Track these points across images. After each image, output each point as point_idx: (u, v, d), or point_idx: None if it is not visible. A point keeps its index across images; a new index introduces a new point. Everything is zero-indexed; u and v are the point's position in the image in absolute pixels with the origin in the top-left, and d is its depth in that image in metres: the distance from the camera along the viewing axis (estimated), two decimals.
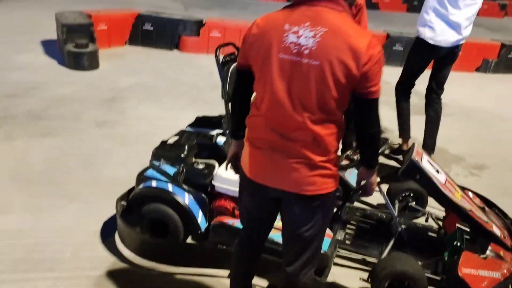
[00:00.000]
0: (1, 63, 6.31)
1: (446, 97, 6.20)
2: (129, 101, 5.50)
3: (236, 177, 2.19)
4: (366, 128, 1.90)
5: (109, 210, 3.17)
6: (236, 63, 2.06)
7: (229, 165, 2.25)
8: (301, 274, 2.06)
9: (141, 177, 2.99)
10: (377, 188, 2.87)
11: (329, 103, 1.75)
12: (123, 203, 3.00)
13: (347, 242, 2.97)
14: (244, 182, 2.06)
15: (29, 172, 3.77)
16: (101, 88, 5.83)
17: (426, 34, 4.05)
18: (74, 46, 6.41)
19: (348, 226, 3.11)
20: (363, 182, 2.14)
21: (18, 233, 3.03)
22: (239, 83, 2.07)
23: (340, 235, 2.97)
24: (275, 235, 2.66)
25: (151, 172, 2.97)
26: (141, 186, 2.93)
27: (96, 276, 2.72)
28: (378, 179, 2.69)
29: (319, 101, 1.75)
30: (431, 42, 4.06)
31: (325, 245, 2.65)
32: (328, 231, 2.69)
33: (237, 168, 2.20)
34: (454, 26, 4.00)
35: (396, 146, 4.65)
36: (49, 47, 7.28)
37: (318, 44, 1.69)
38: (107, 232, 3.10)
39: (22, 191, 3.50)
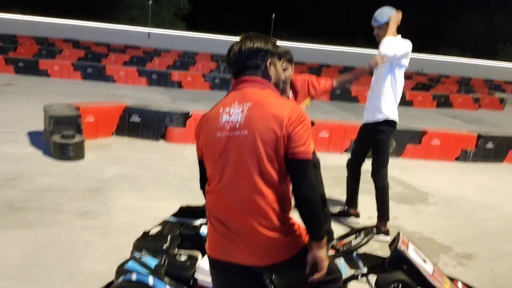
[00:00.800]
0: None
1: (428, 187, 6.30)
2: (113, 191, 5.45)
3: None
4: (300, 193, 1.94)
5: None
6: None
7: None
8: None
9: (121, 270, 2.87)
10: (364, 279, 2.80)
11: (264, 169, 1.91)
12: None
13: None
14: (210, 262, 2.16)
15: (3, 266, 3.61)
16: (85, 179, 5.79)
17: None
18: (61, 137, 6.46)
19: None
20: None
21: None
22: (200, 173, 2.22)
23: None
24: None
25: (131, 265, 2.85)
26: (120, 279, 2.81)
27: None
28: (331, 253, 2.65)
29: (255, 169, 1.91)
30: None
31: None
32: None
33: None
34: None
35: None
36: (35, 138, 7.33)
37: (246, 117, 1.94)
38: None
39: None
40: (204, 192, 2.21)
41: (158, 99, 12.38)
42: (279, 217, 1.96)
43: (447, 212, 5.86)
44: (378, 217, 4.73)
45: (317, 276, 2.02)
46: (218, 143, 1.98)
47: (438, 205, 6.08)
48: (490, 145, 8.69)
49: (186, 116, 8.11)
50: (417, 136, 8.49)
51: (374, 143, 4.65)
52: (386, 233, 4.62)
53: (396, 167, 7.62)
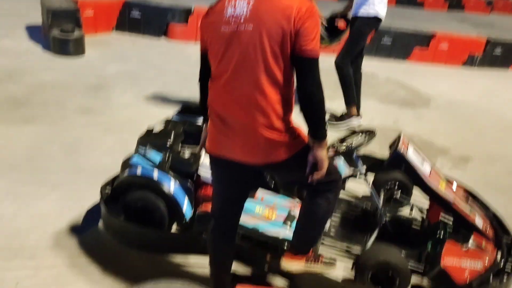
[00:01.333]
0: None
1: (432, 91, 6.26)
2: (115, 88, 5.43)
3: None
4: (305, 92, 1.88)
5: (93, 198, 3.13)
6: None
7: (203, 149, 2.30)
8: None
9: (126, 164, 2.95)
10: (362, 178, 2.89)
11: (269, 66, 1.83)
12: (108, 190, 2.96)
13: (332, 233, 2.97)
14: (210, 159, 2.18)
15: (11, 158, 3.71)
16: (87, 75, 5.75)
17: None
18: (60, 31, 6.29)
19: (333, 217, 3.11)
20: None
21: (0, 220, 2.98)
22: (201, 66, 2.14)
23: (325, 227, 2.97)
24: (261, 225, 2.66)
25: (136, 159, 2.93)
26: (126, 173, 2.90)
27: (79, 264, 2.69)
28: (331, 153, 2.70)
29: (260, 66, 1.83)
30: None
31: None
32: None
33: None
34: None
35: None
36: (33, 32, 7.15)
37: (251, 10, 1.83)
38: (91, 220, 3.06)
39: (3, 177, 3.44)
40: (201, 86, 2.18)
41: None
42: (279, 117, 1.92)
43: (448, 117, 5.89)
44: (345, 103, 4.94)
45: (316, 176, 2.03)
46: (223, 38, 1.89)
47: (440, 109, 6.09)
48: (498, 50, 8.48)
49: (188, 12, 7.82)
50: (425, 39, 8.25)
51: (354, 32, 4.63)
52: (356, 116, 4.96)
53: (402, 70, 7.53)
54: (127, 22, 7.76)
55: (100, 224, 2.98)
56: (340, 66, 4.76)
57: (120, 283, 2.58)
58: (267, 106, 1.89)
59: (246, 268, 2.71)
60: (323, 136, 1.98)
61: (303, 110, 1.93)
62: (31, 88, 5.13)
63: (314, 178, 2.04)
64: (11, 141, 3.97)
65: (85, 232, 2.96)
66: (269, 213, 2.74)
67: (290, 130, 1.98)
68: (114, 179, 3.00)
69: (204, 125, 2.26)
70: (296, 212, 2.82)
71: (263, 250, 2.58)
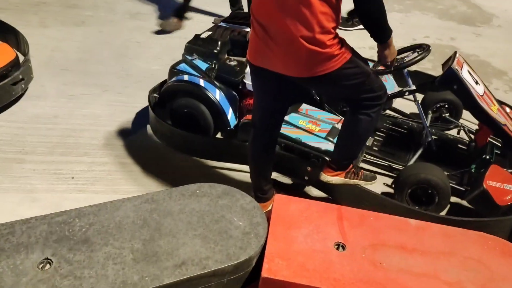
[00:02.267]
0: None
1: (496, 8, 5.81)
2: None
3: None
4: (362, 7, 1.81)
5: (141, 101, 3.23)
6: None
7: None
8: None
9: (174, 70, 2.98)
10: (411, 96, 2.81)
11: None
12: (155, 95, 3.03)
13: (375, 148, 2.97)
14: (250, 68, 2.11)
15: (63, 60, 3.82)
16: None
17: None
18: None
19: (377, 133, 3.09)
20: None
21: (54, 118, 3.14)
22: None
23: (369, 141, 2.96)
24: (304, 136, 2.69)
25: (183, 66, 2.95)
26: (173, 79, 2.94)
27: (128, 163, 2.84)
28: (380, 68, 2.61)
29: None
30: None
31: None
32: None
33: None
34: None
35: None
36: None
37: None
38: (140, 123, 3.18)
39: (57, 78, 3.57)
40: None
41: None
42: (323, 29, 1.81)
43: (509, 36, 5.50)
44: None
45: (381, 65, 2.19)
46: None
47: (502, 28, 5.67)
48: None
49: None
50: None
51: None
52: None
53: None
54: None
55: (148, 127, 3.10)
56: None
57: (165, 183, 2.72)
58: (311, 17, 1.78)
59: (286, 178, 2.78)
60: (387, 38, 1.96)
61: (363, 18, 1.87)
62: None
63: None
64: (63, 42, 4.06)
65: (134, 134, 3.09)
66: (312, 126, 2.75)
67: (334, 43, 1.88)
68: (162, 84, 3.06)
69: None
70: (339, 127, 2.82)
71: (304, 160, 2.62)
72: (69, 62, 3.80)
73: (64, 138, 2.98)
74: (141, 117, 3.21)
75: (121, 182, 2.70)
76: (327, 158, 2.58)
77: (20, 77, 3.15)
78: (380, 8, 1.81)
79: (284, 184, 2.77)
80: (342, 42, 1.93)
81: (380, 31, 1.94)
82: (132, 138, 3.06)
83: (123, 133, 3.08)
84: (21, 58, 3.35)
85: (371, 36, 1.95)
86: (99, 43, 4.14)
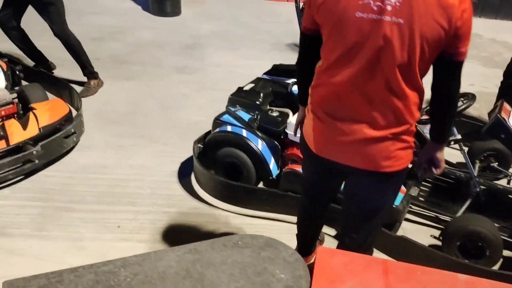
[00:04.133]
0: (89, 7, 6.58)
1: None
2: (208, 47, 5.57)
3: None
4: (448, 95, 1.68)
5: (186, 152, 3.31)
6: (302, 26, 1.82)
7: (298, 130, 2.13)
8: (360, 248, 1.96)
9: (217, 121, 3.07)
10: (457, 146, 2.75)
11: (413, 68, 1.55)
12: (200, 145, 3.11)
13: (421, 198, 2.90)
14: (306, 153, 1.95)
15: (113, 112, 4.00)
16: (182, 34, 5.94)
17: None
18: None
19: (423, 183, 3.02)
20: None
21: (103, 169, 3.26)
22: (305, 48, 1.86)
23: (414, 191, 2.90)
24: None
25: (226, 117, 3.03)
26: (216, 130, 3.02)
27: (173, 212, 2.89)
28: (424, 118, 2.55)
29: (403, 66, 1.54)
30: None
31: (397, 200, 2.62)
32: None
33: None
34: None
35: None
36: None
37: (403, 0, 1.47)
38: (184, 172, 3.25)
39: (106, 130, 3.73)
40: (301, 69, 1.93)
41: None
42: (413, 122, 1.69)
43: None
44: None
45: (434, 173, 1.93)
46: (357, 24, 1.53)
47: None
48: None
49: None
50: None
51: None
52: None
53: (511, 31, 6.92)
54: None
55: (193, 176, 3.16)
56: None
57: (208, 233, 2.74)
58: (404, 109, 1.64)
59: (330, 228, 2.74)
60: (447, 138, 1.85)
61: (438, 111, 1.76)
62: (132, 46, 5.42)
63: (429, 175, 1.95)
64: (113, 96, 4.27)
65: (178, 183, 3.15)
66: None
67: (409, 139, 1.75)
68: (206, 135, 3.14)
69: (300, 108, 2.07)
70: None
71: None
72: (118, 114, 3.98)
73: (111, 187, 3.08)
74: (185, 167, 3.29)
75: (165, 231, 2.74)
76: None
77: (72, 130, 3.32)
78: (456, 100, 1.78)
79: (328, 235, 2.72)
80: (413, 143, 1.80)
81: (450, 124, 1.83)
82: (176, 187, 3.12)
83: (168, 183, 3.15)
84: (74, 112, 3.54)
85: (435, 133, 1.83)
86: (147, 96, 4.33)
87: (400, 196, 2.65)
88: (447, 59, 1.58)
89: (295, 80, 3.16)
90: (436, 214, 2.80)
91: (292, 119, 2.87)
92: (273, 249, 1.74)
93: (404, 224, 2.79)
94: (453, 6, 1.46)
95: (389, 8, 1.48)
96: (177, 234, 2.72)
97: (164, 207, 2.93)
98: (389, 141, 1.69)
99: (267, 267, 1.65)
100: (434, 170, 1.91)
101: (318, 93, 1.77)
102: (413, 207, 2.84)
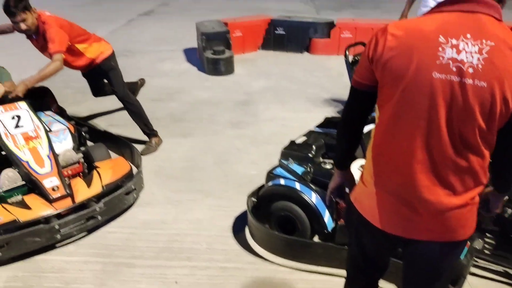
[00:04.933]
0: (149, 70, 6.99)
1: None
2: (260, 103, 5.72)
3: None
4: None
5: (240, 205, 3.35)
6: (352, 79, 1.68)
7: (331, 197, 2.00)
8: None
9: (271, 175, 3.10)
10: None
11: (492, 130, 1.44)
12: (253, 199, 3.14)
13: (486, 251, 2.74)
14: (363, 227, 1.71)
15: (171, 168, 4.14)
16: (235, 92, 6.15)
17: None
18: (212, 53, 6.85)
19: (487, 234, 2.87)
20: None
21: (162, 224, 3.35)
22: (354, 104, 1.68)
23: (478, 244, 2.75)
24: None
25: (280, 171, 3.06)
26: (270, 183, 3.04)
27: (229, 268, 2.89)
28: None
29: (483, 131, 1.43)
30: None
31: (462, 254, 2.49)
32: None
33: (342, 198, 2.00)
34: None
35: None
36: (190, 55, 7.90)
37: (486, 61, 1.36)
38: (239, 226, 3.27)
39: (165, 185, 3.86)
40: (347, 129, 1.75)
41: (302, 9, 12.20)
42: (480, 185, 1.57)
43: None
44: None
45: (490, 214, 1.87)
46: (433, 86, 1.40)
47: None
48: None
49: (330, 26, 7.92)
50: None
51: None
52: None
53: None
54: (272, 40, 8.14)
55: (247, 230, 3.17)
56: None
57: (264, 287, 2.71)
58: (480, 170, 1.52)
59: (390, 284, 2.64)
60: (510, 188, 1.78)
61: (501, 167, 1.65)
62: (188, 105, 5.67)
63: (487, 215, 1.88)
64: (171, 153, 4.44)
65: (233, 238, 3.17)
66: None
67: (476, 203, 1.62)
68: (260, 189, 3.17)
69: (336, 171, 1.91)
70: None
71: None
72: (176, 170, 4.11)
73: (169, 243, 3.14)
74: (240, 221, 3.31)
75: (222, 286, 2.74)
76: None
77: (133, 187, 3.46)
78: None
79: None
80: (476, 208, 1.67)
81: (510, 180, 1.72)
82: (232, 242, 3.13)
83: (223, 237, 3.18)
84: (134, 169, 3.70)
85: (496, 181, 1.72)
86: (203, 151, 4.46)
87: (464, 249, 2.53)
88: None
89: None
90: (504, 268, 2.64)
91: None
92: None
93: (470, 278, 2.64)
94: None
95: (470, 70, 1.37)
96: None
97: (221, 262, 2.94)
98: (467, 207, 1.55)
99: None
100: (489, 212, 1.83)
101: (384, 161, 1.59)
102: (478, 261, 2.69)
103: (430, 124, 1.44)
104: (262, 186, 3.17)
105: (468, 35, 1.39)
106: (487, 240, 2.83)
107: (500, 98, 1.37)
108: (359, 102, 1.66)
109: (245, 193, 3.18)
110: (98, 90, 4.61)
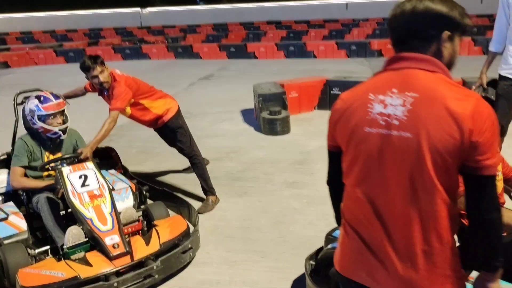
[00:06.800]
0: (209, 131, 7.20)
1: None
2: (317, 163, 5.68)
3: None
4: (479, 215, 1.47)
5: (298, 268, 3.25)
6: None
7: None
8: None
9: (329, 237, 3.01)
10: None
11: (431, 182, 1.43)
12: (312, 262, 3.04)
13: None
14: (337, 278, 1.76)
15: (227, 228, 4.13)
16: (292, 151, 6.17)
17: None
18: (269, 113, 6.98)
19: None
20: None
21: (217, 285, 3.30)
22: (331, 166, 1.79)
23: None
24: None
25: (339, 233, 2.96)
26: (329, 246, 2.95)
27: None
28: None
29: (416, 181, 1.44)
30: None
31: None
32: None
33: None
34: None
35: None
36: (247, 116, 8.08)
37: (410, 113, 1.43)
38: None
39: (221, 245, 3.84)
40: (331, 189, 1.87)
41: (358, 70, 12.31)
42: (443, 244, 1.49)
43: None
44: None
45: None
46: (367, 140, 1.52)
47: None
48: None
49: None
50: None
51: None
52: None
53: None
54: (328, 99, 8.20)
55: None
56: None
57: None
58: (430, 228, 1.48)
59: None
60: (498, 267, 1.54)
61: (476, 237, 1.52)
62: (245, 164, 5.73)
63: None
64: (228, 212, 4.45)
65: None
66: None
67: (453, 262, 1.53)
68: (318, 251, 3.08)
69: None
70: None
71: None
72: (232, 230, 4.10)
73: None
74: (298, 285, 3.21)
75: None
76: None
77: (190, 246, 3.47)
78: (501, 220, 1.48)
79: None
80: (459, 271, 1.58)
81: (496, 252, 1.52)
82: None
83: None
84: (191, 228, 3.73)
85: (481, 261, 1.56)
86: (259, 211, 4.44)
87: None
88: (469, 173, 1.44)
89: None
90: None
91: None
92: None
93: None
94: (465, 118, 1.37)
95: (395, 122, 1.45)
96: None
97: None
98: (414, 269, 1.50)
99: None
100: None
101: (344, 206, 1.70)
102: None
103: (368, 176, 1.54)
104: (321, 249, 3.08)
105: (394, 90, 1.49)
106: None
107: (428, 148, 1.40)
108: (334, 163, 1.75)
109: (303, 255, 3.10)
110: (171, 145, 4.77)
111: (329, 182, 1.86)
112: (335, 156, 1.71)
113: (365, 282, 1.62)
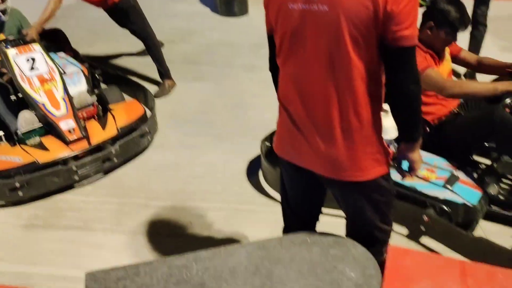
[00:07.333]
0: (161, 11, 6.82)
1: None
2: None
3: None
4: (402, 87, 1.48)
5: (254, 150, 3.35)
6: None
7: None
8: None
9: None
10: None
11: (345, 58, 1.45)
12: (267, 144, 3.14)
13: (501, 197, 2.73)
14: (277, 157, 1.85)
15: (185, 112, 4.13)
16: (250, 34, 6.00)
17: None
18: None
19: (504, 180, 2.85)
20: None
21: (176, 166, 3.38)
22: (270, 51, 1.80)
23: (493, 190, 2.74)
24: (419, 184, 2.58)
25: None
26: None
27: (243, 209, 2.94)
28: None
29: (334, 56, 1.46)
30: None
31: (475, 199, 2.51)
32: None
33: None
34: None
35: None
36: None
37: None
38: (252, 170, 3.29)
39: (179, 129, 3.86)
40: (273, 75, 1.90)
41: None
42: (362, 121, 1.53)
43: None
44: None
45: (410, 176, 1.76)
46: (290, 16, 1.52)
47: None
48: None
49: None
50: None
51: None
52: None
53: None
54: None
55: (260, 174, 3.19)
56: None
57: (277, 229, 2.75)
58: (347, 105, 1.51)
59: (401, 226, 2.66)
60: (418, 138, 1.62)
61: (395, 110, 1.58)
62: (201, 47, 5.57)
63: (406, 178, 1.79)
64: (185, 96, 4.41)
65: (247, 181, 3.20)
66: (428, 173, 2.63)
67: (374, 139, 1.59)
68: (273, 133, 3.15)
69: None
70: (459, 173, 2.66)
71: (420, 210, 2.50)
72: (190, 114, 4.10)
73: (184, 184, 3.19)
74: (254, 165, 3.33)
75: (236, 228, 2.79)
76: (445, 208, 2.44)
77: (147, 130, 3.47)
78: (420, 93, 1.54)
79: (400, 234, 2.65)
80: (384, 149, 1.65)
81: (417, 124, 1.60)
82: (245, 185, 3.17)
83: (237, 180, 3.21)
84: (148, 112, 3.70)
85: (402, 133, 1.65)
86: (217, 95, 4.42)
87: (477, 194, 2.54)
88: (387, 45, 1.43)
89: None
90: None
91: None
92: (342, 247, 1.73)
93: (484, 224, 2.65)
94: None
95: None
96: (247, 231, 2.76)
97: (235, 204, 2.99)
98: (342, 144, 1.57)
99: (337, 265, 1.64)
100: (407, 173, 1.74)
101: (279, 87, 1.77)
102: (493, 207, 2.68)
103: (295, 54, 1.57)
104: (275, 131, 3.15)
105: None
106: (502, 185, 2.82)
107: (344, 20, 1.39)
108: (272, 48, 1.74)
109: (259, 137, 3.18)
110: (123, 26, 4.49)
111: (270, 68, 1.88)
112: (272, 40, 1.71)
113: (293, 160, 1.72)
